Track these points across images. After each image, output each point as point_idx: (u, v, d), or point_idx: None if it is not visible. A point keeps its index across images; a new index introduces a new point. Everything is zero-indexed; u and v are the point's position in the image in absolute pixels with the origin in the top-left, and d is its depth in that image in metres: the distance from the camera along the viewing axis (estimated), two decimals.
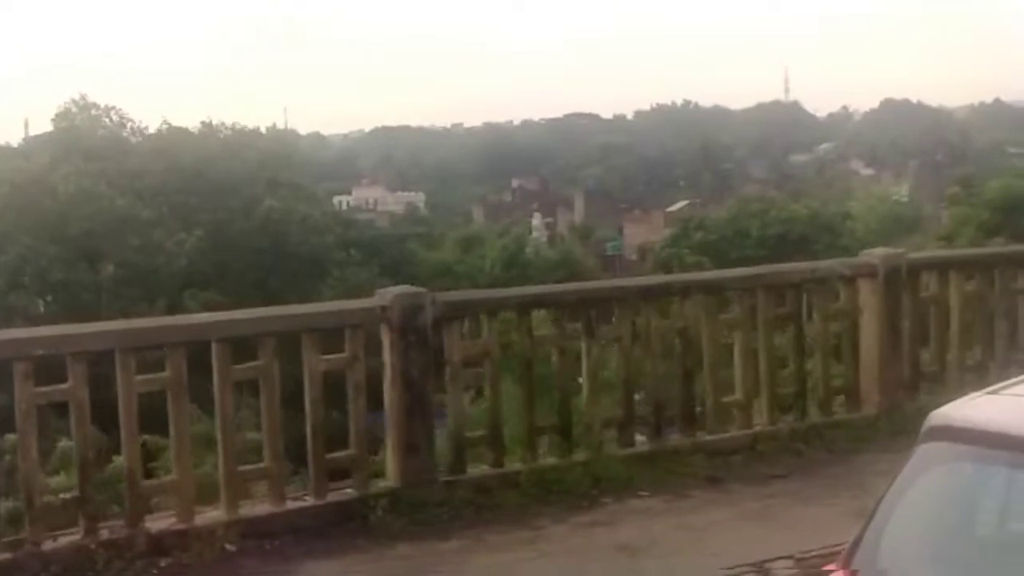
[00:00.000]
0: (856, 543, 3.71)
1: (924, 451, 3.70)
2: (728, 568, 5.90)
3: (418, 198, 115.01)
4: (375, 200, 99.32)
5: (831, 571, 3.86)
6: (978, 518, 3.67)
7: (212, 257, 43.08)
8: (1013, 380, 4.01)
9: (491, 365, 7.23)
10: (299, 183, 47.64)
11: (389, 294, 7.02)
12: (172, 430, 6.42)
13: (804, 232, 60.15)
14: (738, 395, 8.11)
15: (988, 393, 3.81)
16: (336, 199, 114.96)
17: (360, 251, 59.22)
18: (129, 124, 49.80)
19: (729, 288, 8.10)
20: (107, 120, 50.49)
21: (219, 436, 6.52)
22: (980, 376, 8.77)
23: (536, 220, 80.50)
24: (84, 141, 44.70)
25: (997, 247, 11.44)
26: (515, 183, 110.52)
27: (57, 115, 45.93)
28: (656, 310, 7.78)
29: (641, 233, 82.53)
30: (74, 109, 46.28)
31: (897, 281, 8.49)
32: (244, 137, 48.19)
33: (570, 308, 7.51)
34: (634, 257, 76.36)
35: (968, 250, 10.15)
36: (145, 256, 41.99)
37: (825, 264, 8.68)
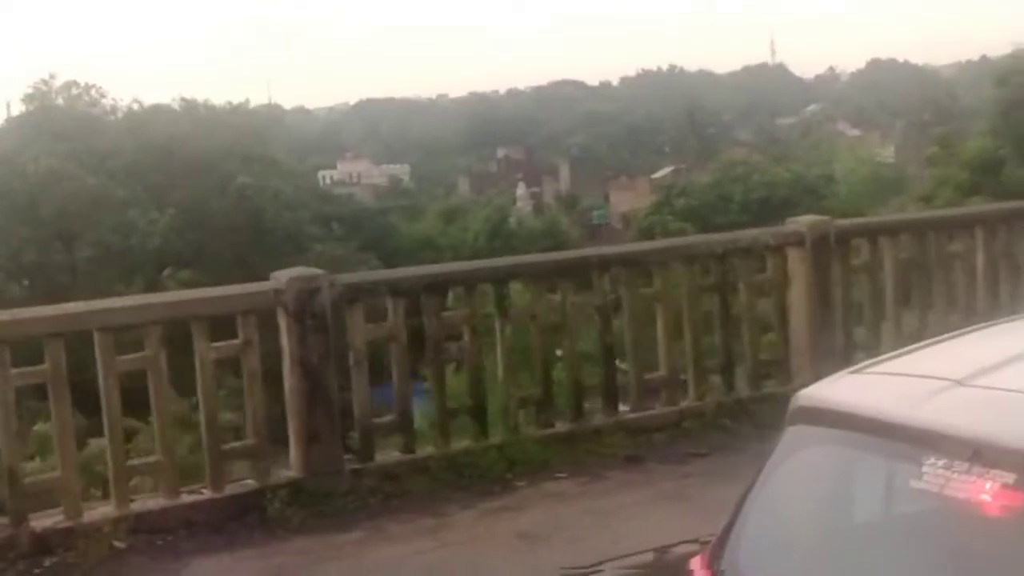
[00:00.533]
0: (722, 536, 3.50)
1: (789, 435, 3.46)
2: (571, 568, 5.64)
3: (403, 170, 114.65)
4: (359, 174, 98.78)
5: (694, 568, 3.66)
6: (842, 505, 3.47)
7: (187, 236, 42.74)
8: (882, 357, 3.76)
9: (398, 349, 6.98)
10: (274, 158, 47.23)
11: (283, 277, 6.77)
12: (54, 423, 6.17)
13: (787, 196, 59.85)
14: (662, 371, 7.88)
15: (852, 372, 3.61)
16: (321, 174, 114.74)
17: (342, 226, 58.98)
18: (102, 102, 49.31)
19: (648, 260, 7.84)
20: (83, 98, 50.01)
21: (106, 430, 6.27)
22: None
23: (520, 190, 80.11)
24: (55, 121, 44.23)
25: (927, 211, 11.17)
26: (500, 153, 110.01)
27: (26, 95, 45.45)
28: (575, 285, 7.53)
29: (627, 200, 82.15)
30: (44, 88, 45.76)
31: (826, 249, 8.24)
32: (218, 114, 47.70)
33: (481, 286, 7.26)
34: (620, 225, 76.12)
35: (899, 216, 9.87)
36: (120, 236, 41.69)
37: (748, 233, 8.42)
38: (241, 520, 6.44)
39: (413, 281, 7.12)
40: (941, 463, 2.82)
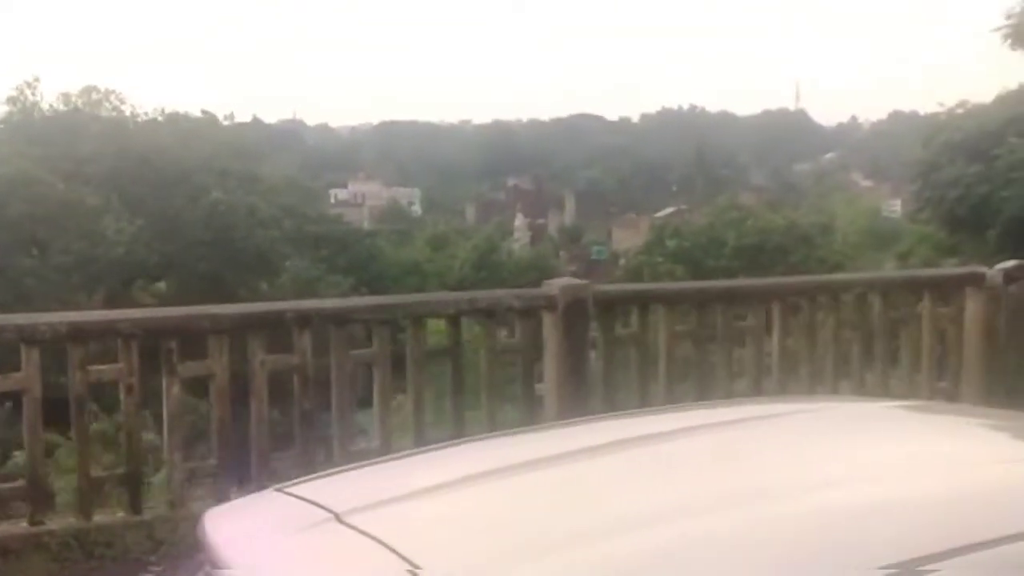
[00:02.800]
0: None
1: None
2: None
3: (412, 194, 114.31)
4: (363, 194, 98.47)
5: None
6: None
7: (155, 247, 42.16)
8: (324, 472, 3.37)
9: (30, 403, 6.12)
10: (255, 174, 46.62)
11: None
12: None
13: (781, 242, 58.87)
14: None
15: (275, 490, 3.13)
16: (331, 192, 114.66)
17: (327, 246, 58.37)
18: (121, 108, 49.02)
19: (359, 318, 6.93)
20: (104, 104, 49.75)
21: None
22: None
23: (518, 220, 79.35)
24: (33, 125, 43.84)
25: (710, 282, 10.26)
26: (510, 182, 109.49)
27: (9, 98, 45.11)
28: (267, 343, 6.64)
29: (629, 237, 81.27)
30: (27, 91, 45.38)
31: (582, 315, 7.33)
32: (200, 126, 47.21)
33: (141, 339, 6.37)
34: (634, 262, 75.19)
35: (679, 284, 8.90)
36: (87, 244, 41.13)
37: (487, 294, 7.51)
38: None
39: (50, 328, 6.23)
40: None
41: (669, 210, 79.47)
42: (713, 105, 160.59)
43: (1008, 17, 17.22)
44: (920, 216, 18.97)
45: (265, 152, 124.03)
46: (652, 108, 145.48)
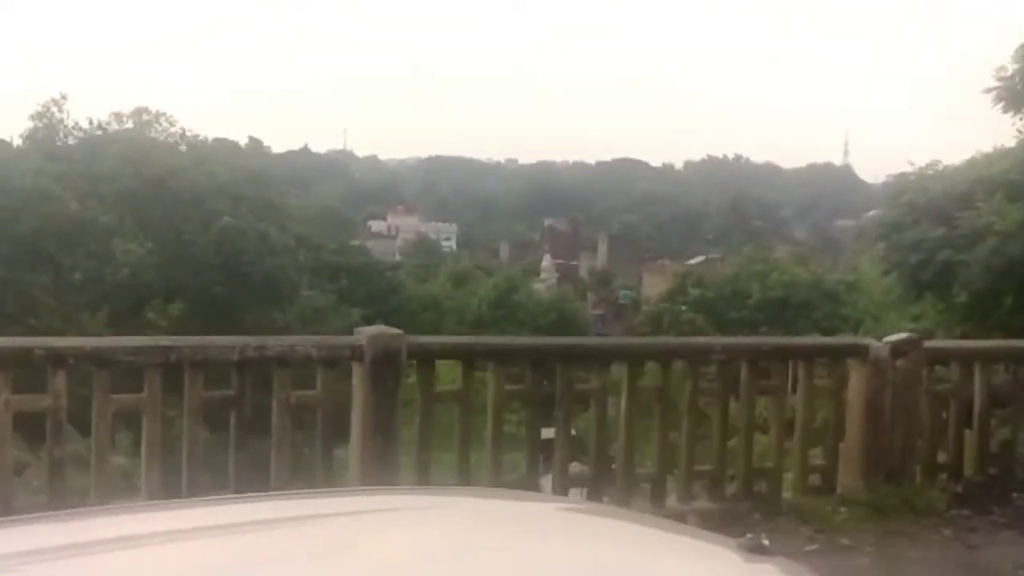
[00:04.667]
0: None
1: None
2: None
3: (450, 229, 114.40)
4: (397, 227, 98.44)
5: None
6: None
7: (165, 270, 42.12)
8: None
9: None
10: (272, 201, 46.55)
11: None
12: None
13: (806, 298, 57.90)
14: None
15: None
16: (369, 223, 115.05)
17: (348, 277, 58.24)
18: (171, 131, 49.20)
19: (124, 360, 6.38)
20: (154, 126, 50.11)
21: None
22: (516, 484, 7.14)
23: (546, 261, 78.84)
24: (54, 142, 44.14)
25: (547, 338, 9.69)
26: (546, 223, 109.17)
27: (35, 113, 45.47)
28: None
29: (658, 284, 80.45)
30: (53, 108, 45.72)
31: (392, 368, 6.81)
32: (218, 151, 47.35)
33: None
34: (655, 309, 74.39)
35: (506, 338, 8.27)
36: (96, 263, 41.18)
37: (279, 340, 6.97)
38: None
39: None
40: None
41: (700, 258, 78.69)
42: (759, 156, 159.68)
43: (999, 79, 16.47)
44: (885, 279, 18.28)
45: (310, 180, 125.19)
46: (697, 156, 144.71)
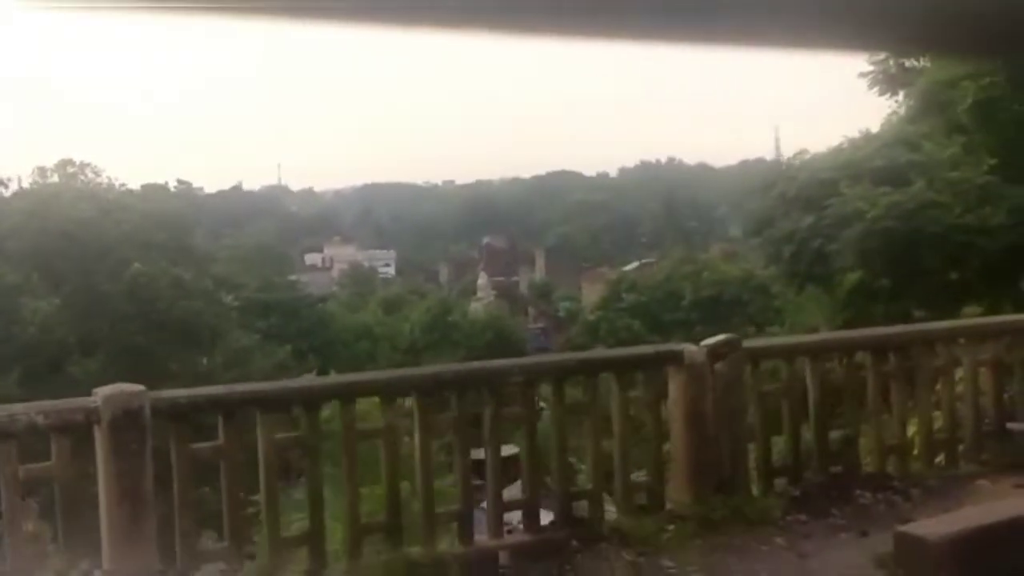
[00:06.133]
0: None
1: None
2: None
3: (389, 255, 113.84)
4: (331, 259, 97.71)
5: None
6: None
7: (76, 325, 41.08)
8: None
9: None
10: (185, 244, 45.64)
11: None
12: None
13: (737, 294, 57.86)
14: None
15: None
16: (306, 256, 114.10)
17: (277, 315, 57.44)
18: (96, 181, 48.27)
19: None
20: (79, 177, 49.10)
21: None
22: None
23: (482, 279, 78.38)
24: None
25: (322, 378, 9.18)
26: (485, 240, 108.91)
27: None
28: None
29: (598, 292, 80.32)
30: None
31: (136, 428, 6.18)
32: (121, 197, 46.37)
33: None
34: (591, 318, 74.09)
35: (273, 384, 7.72)
36: (3, 323, 40.06)
37: None
38: None
39: None
40: None
41: (634, 264, 78.54)
42: (692, 157, 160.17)
43: (872, 63, 16.25)
44: (766, 272, 17.95)
45: (245, 219, 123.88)
46: (631, 163, 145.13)
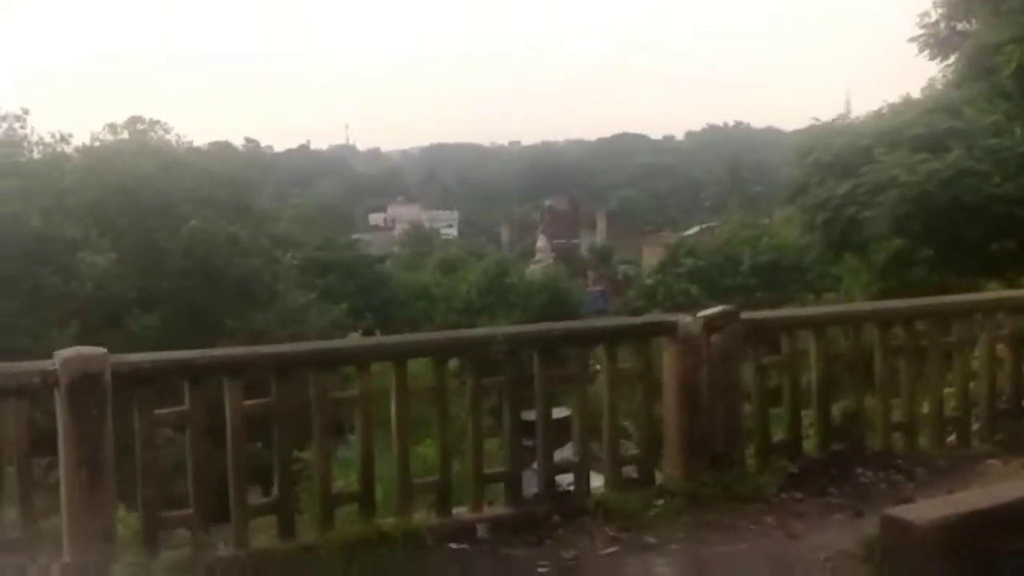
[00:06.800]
0: None
1: None
2: None
3: (452, 216, 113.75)
4: (393, 219, 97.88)
5: None
6: None
7: (133, 280, 41.52)
8: None
9: None
10: (244, 203, 45.91)
11: None
12: None
13: (798, 259, 56.87)
14: None
15: None
16: (371, 216, 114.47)
17: (336, 273, 57.72)
18: (166, 138, 48.78)
19: None
20: (149, 134, 49.63)
21: None
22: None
23: (541, 242, 78.05)
24: (15, 158, 43.55)
25: (285, 346, 8.99)
26: (546, 203, 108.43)
27: None
28: None
29: (658, 256, 79.65)
30: (15, 124, 45.04)
31: (96, 393, 6.04)
32: (185, 154, 46.69)
33: None
34: (648, 281, 73.51)
35: (228, 350, 7.57)
36: (62, 278, 40.59)
37: None
38: None
39: None
40: None
41: (696, 228, 77.62)
42: (760, 121, 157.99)
43: (923, 26, 15.65)
44: (802, 240, 17.49)
45: (312, 178, 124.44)
46: (698, 126, 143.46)
